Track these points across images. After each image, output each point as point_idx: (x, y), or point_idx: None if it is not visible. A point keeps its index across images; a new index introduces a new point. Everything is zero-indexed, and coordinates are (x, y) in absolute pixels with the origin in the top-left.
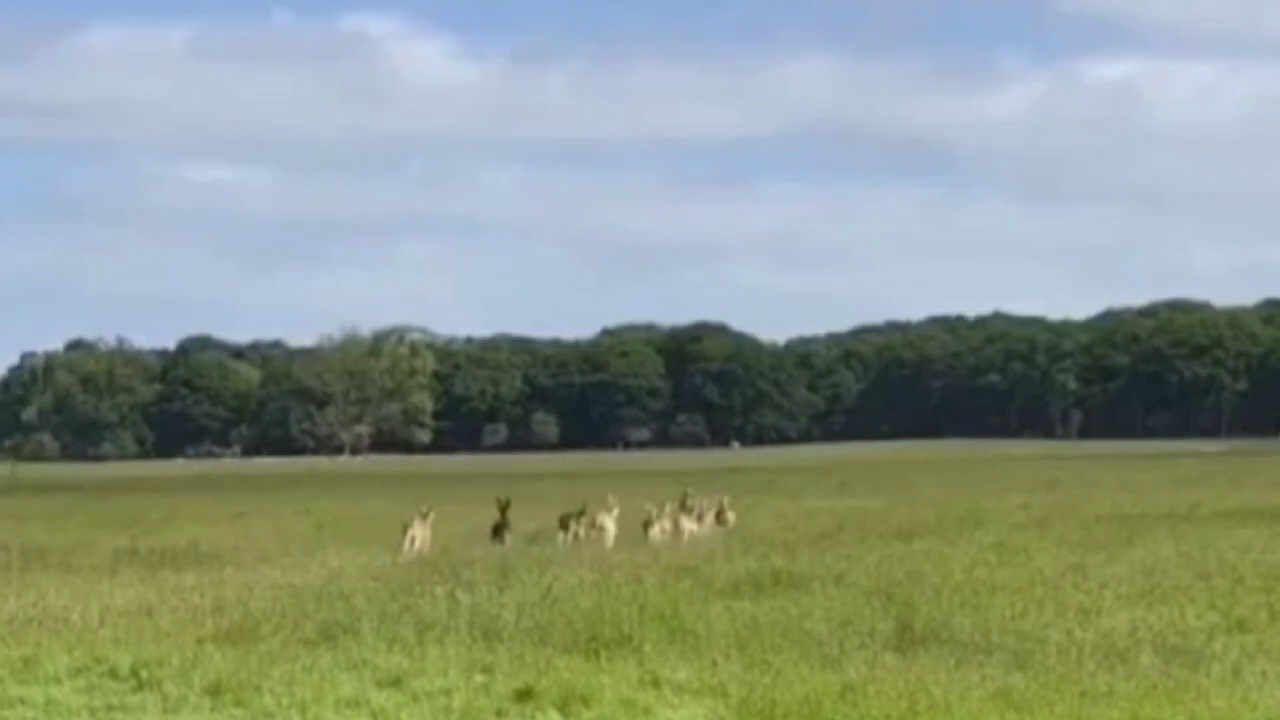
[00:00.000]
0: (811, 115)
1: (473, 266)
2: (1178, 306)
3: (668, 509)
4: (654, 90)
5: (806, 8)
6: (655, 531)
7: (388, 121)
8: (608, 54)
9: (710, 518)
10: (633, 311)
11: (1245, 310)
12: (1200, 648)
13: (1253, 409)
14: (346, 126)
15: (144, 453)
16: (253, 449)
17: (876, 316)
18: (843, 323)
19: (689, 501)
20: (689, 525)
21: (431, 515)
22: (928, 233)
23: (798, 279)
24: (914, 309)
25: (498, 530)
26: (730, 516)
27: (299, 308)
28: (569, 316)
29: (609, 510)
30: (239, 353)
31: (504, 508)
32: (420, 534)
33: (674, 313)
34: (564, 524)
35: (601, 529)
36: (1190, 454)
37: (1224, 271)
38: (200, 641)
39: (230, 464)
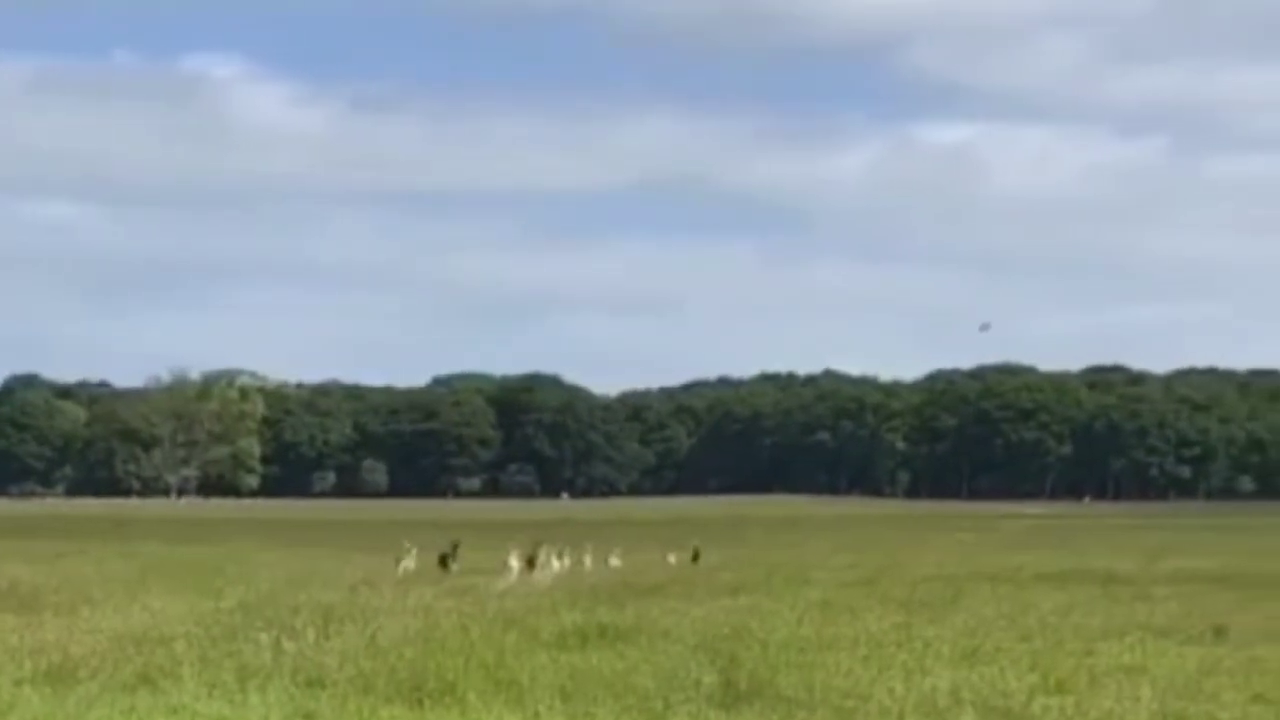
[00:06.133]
0: (655, 169)
1: (306, 312)
2: (1005, 370)
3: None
4: (495, 141)
5: (652, 62)
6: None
7: (227, 164)
8: (449, 103)
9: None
10: (466, 361)
11: (1071, 376)
12: (1020, 709)
13: (1077, 473)
14: (185, 168)
15: None
16: (77, 490)
17: (709, 372)
18: (675, 377)
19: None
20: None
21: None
22: (763, 289)
23: (633, 332)
24: (746, 365)
25: (444, 561)
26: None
27: (129, 348)
28: (401, 364)
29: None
30: (65, 392)
31: (454, 547)
32: (412, 564)
33: (508, 363)
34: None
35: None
36: (1014, 516)
37: (1051, 337)
38: (18, 683)
39: (53, 504)
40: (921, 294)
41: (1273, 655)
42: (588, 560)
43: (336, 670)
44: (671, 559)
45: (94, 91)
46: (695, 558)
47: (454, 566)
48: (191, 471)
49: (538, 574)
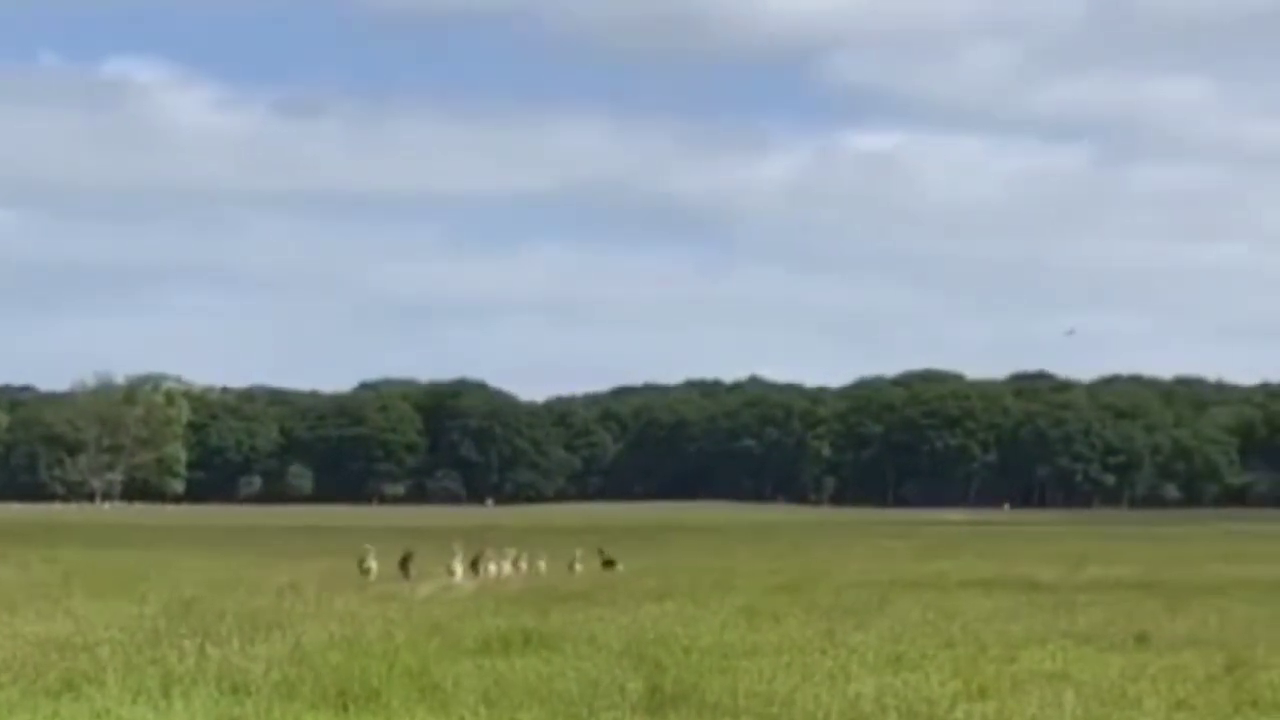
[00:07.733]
0: (582, 176)
1: (232, 316)
2: (930, 377)
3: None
4: (419, 146)
5: (577, 68)
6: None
7: (150, 168)
8: (376, 108)
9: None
10: (393, 366)
11: (996, 383)
12: (944, 715)
13: (1002, 480)
14: (108, 171)
15: None
16: None
17: (635, 378)
18: (602, 383)
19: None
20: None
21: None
22: (690, 297)
23: (560, 338)
24: (673, 372)
25: (404, 564)
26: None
27: (52, 352)
28: (327, 370)
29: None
30: None
31: (408, 556)
32: (374, 564)
33: (434, 369)
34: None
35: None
36: (938, 523)
37: (977, 344)
38: None
39: None
40: (847, 301)
41: (1195, 662)
42: (542, 565)
43: (261, 676)
44: (620, 567)
45: (17, 94)
46: (609, 563)
47: (413, 571)
48: (116, 476)
49: (480, 578)
